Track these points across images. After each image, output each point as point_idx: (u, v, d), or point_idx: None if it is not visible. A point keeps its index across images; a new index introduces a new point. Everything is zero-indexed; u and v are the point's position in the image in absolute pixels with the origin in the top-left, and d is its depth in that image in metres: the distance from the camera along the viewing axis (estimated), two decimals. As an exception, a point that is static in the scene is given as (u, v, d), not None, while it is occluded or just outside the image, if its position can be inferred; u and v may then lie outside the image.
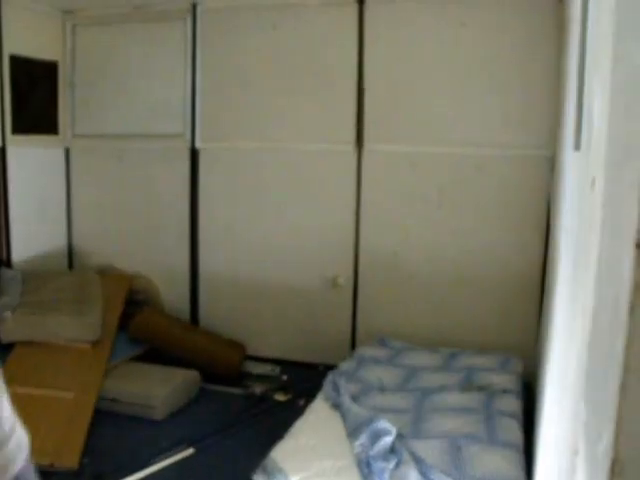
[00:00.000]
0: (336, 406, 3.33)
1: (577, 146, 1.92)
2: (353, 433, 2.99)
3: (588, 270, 1.08)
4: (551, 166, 4.04)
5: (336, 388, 3.52)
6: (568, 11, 3.16)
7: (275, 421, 3.80)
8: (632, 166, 0.77)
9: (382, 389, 3.60)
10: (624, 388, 0.74)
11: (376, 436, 2.89)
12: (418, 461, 2.74)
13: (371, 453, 2.79)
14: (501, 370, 3.79)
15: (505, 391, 3.45)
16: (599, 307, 0.97)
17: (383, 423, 2.96)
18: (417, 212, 4.45)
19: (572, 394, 1.27)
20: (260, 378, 4.56)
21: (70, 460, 3.31)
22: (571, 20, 2.66)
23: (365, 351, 4.14)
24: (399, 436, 2.92)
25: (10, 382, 3.93)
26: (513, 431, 3.04)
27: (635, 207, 0.74)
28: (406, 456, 2.78)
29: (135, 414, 3.92)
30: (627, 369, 0.73)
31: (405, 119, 4.38)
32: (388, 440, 2.86)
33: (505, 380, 3.61)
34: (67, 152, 5.25)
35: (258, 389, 4.35)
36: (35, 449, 3.53)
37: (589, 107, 1.54)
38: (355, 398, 3.41)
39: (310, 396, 3.70)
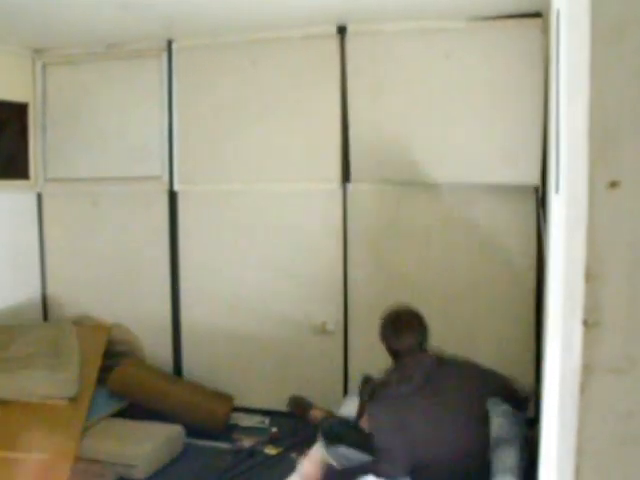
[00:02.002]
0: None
1: (557, 189, 1.94)
2: None
3: (557, 339, 1.11)
4: (540, 198, 4.10)
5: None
6: (550, 44, 3.22)
7: (266, 477, 3.79)
8: (579, 239, 0.81)
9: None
10: (578, 471, 0.77)
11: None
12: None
13: None
14: (494, 409, 3.74)
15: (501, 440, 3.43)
16: (562, 385, 1.00)
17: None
18: (405, 250, 4.48)
19: (549, 467, 1.30)
20: (249, 431, 4.54)
21: (45, 529, 3.29)
22: (551, 59, 2.71)
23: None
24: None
25: (-21, 446, 3.84)
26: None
27: (581, 282, 0.77)
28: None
29: (116, 475, 3.90)
30: (580, 452, 0.76)
31: (390, 154, 4.42)
32: None
33: (500, 425, 3.57)
34: (39, 197, 5.29)
35: (247, 443, 4.33)
36: (7, 518, 3.48)
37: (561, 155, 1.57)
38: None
39: (303, 448, 3.70)
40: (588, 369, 0.75)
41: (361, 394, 3.76)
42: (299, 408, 4.44)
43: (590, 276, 0.77)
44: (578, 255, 0.79)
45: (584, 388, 0.77)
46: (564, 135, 1.10)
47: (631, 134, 0.86)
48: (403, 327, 3.56)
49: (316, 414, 4.29)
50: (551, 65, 2.74)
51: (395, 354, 3.56)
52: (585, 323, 0.77)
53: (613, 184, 0.84)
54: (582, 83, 0.92)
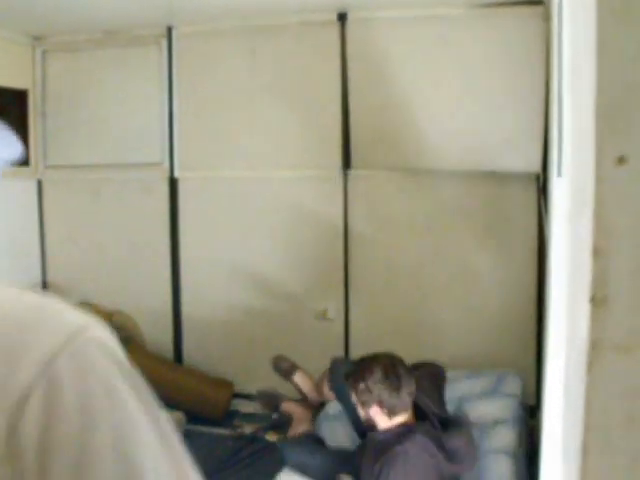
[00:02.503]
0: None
1: (559, 172, 1.94)
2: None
3: (562, 318, 1.10)
4: (541, 184, 4.09)
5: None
6: (552, 30, 3.20)
7: (267, 463, 3.79)
8: (585, 217, 0.80)
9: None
10: (586, 449, 0.76)
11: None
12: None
13: None
14: (495, 393, 3.75)
15: (497, 423, 3.42)
16: (568, 363, 0.99)
17: None
18: (406, 236, 4.48)
19: (555, 448, 1.29)
20: (249, 417, 4.55)
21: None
22: (552, 44, 2.70)
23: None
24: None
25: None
26: (503, 469, 3.03)
27: (588, 258, 0.76)
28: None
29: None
30: (588, 430, 0.75)
31: (391, 141, 4.41)
32: None
33: (499, 407, 3.57)
34: (39, 184, 5.28)
35: (248, 429, 4.34)
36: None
37: (564, 138, 1.57)
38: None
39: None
40: (595, 346, 0.75)
41: (333, 379, 3.70)
42: (268, 405, 4.36)
43: (598, 252, 0.76)
44: (585, 232, 0.78)
45: (591, 365, 0.77)
46: (568, 115, 1.09)
47: (638, 110, 0.85)
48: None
49: (288, 408, 4.22)
50: (552, 51, 2.73)
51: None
52: (592, 300, 0.76)
53: (620, 160, 0.83)
54: (588, 60, 0.91)
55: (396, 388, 2.98)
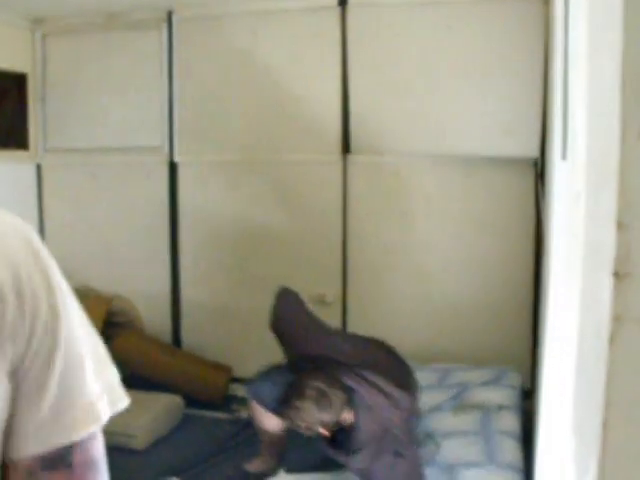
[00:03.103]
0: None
1: (564, 155, 1.92)
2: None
3: (573, 295, 1.09)
4: (538, 170, 4.08)
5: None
6: (553, 14, 3.19)
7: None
8: (608, 190, 0.79)
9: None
10: (607, 424, 0.75)
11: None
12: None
13: None
14: (497, 384, 3.78)
15: (501, 407, 3.45)
16: (582, 337, 0.98)
17: None
18: (405, 221, 4.47)
19: (562, 423, 1.28)
20: (247, 401, 4.53)
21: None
22: (555, 25, 2.68)
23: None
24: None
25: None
26: (512, 451, 3.04)
27: (612, 232, 0.75)
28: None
29: (115, 444, 3.86)
30: (609, 404, 0.74)
31: (391, 125, 4.39)
32: None
33: (501, 395, 3.60)
34: (38, 168, 5.24)
35: (245, 413, 4.32)
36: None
37: (573, 117, 1.55)
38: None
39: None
40: (619, 320, 0.73)
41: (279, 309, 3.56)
42: None
43: (622, 226, 0.75)
44: (608, 206, 0.77)
45: (614, 339, 0.75)
46: (583, 93, 1.07)
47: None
48: None
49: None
50: (555, 33, 2.71)
51: None
52: (616, 274, 0.75)
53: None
54: (612, 34, 0.89)
55: (330, 406, 2.91)
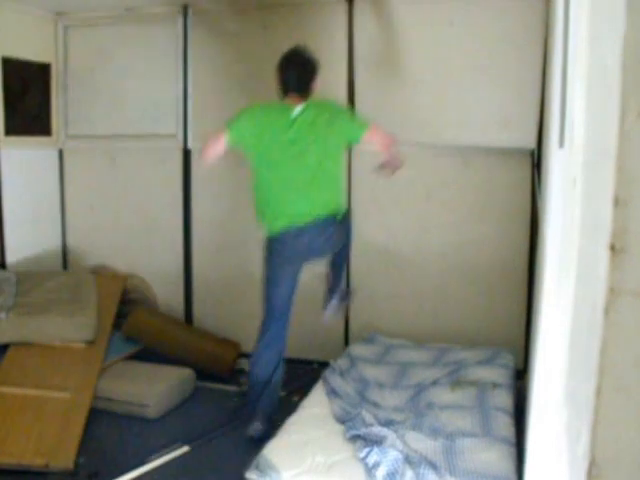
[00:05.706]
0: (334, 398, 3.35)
1: (561, 143, 1.90)
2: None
3: (569, 271, 1.07)
4: (535, 160, 4.06)
5: (331, 386, 3.53)
6: (553, 8, 3.16)
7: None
8: (606, 168, 0.77)
9: (381, 386, 3.60)
10: (599, 391, 0.74)
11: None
12: (412, 458, 2.74)
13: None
14: (491, 364, 3.78)
15: (495, 385, 3.44)
16: (578, 309, 0.97)
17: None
18: (406, 208, 4.47)
19: (554, 393, 1.27)
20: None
21: (65, 460, 3.29)
22: (555, 17, 2.66)
23: (356, 349, 4.14)
24: (395, 432, 2.93)
25: (5, 383, 3.93)
26: (506, 426, 3.04)
27: (609, 208, 0.73)
28: (401, 449, 2.79)
29: (130, 413, 3.91)
30: (602, 372, 0.73)
31: (394, 116, 4.37)
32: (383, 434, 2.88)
33: (495, 374, 3.60)
34: (60, 153, 5.24)
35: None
36: (30, 449, 3.53)
37: (572, 106, 1.54)
38: (356, 395, 3.43)
39: (304, 393, 3.70)
40: (614, 292, 0.72)
41: None
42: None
43: (619, 201, 0.73)
44: (606, 182, 0.75)
45: (609, 310, 0.74)
46: (583, 74, 1.05)
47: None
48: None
49: None
50: (555, 25, 2.68)
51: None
52: (612, 248, 0.73)
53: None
54: (614, 19, 0.87)
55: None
